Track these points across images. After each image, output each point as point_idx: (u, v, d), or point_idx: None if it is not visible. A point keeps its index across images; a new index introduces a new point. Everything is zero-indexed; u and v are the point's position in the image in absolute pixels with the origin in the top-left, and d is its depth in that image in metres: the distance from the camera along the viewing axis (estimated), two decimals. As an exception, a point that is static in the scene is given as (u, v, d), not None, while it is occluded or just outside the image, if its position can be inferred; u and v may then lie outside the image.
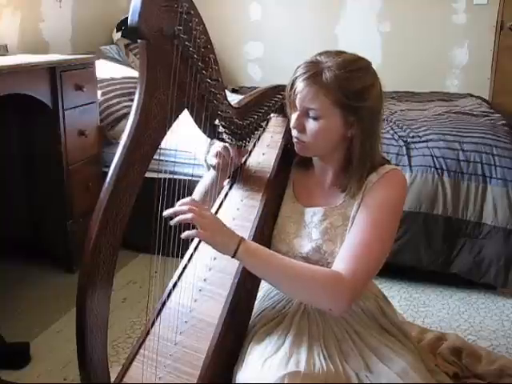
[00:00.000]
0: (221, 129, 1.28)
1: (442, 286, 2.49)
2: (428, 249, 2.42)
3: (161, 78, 1.01)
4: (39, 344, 2.05)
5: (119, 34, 3.70)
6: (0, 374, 1.84)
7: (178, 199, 1.13)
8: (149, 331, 1.20)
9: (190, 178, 1.57)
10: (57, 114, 2.40)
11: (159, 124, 1.02)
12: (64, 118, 2.43)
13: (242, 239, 1.12)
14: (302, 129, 1.25)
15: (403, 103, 3.34)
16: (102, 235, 0.95)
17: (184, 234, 1.08)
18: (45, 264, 2.59)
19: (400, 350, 1.22)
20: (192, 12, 1.05)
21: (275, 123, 1.54)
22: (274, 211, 1.36)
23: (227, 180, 1.43)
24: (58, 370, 1.91)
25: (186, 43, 1.06)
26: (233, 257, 1.11)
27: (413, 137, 2.55)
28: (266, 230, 1.33)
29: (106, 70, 3.03)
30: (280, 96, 1.45)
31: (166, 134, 1.05)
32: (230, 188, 1.42)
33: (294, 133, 1.27)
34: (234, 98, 1.42)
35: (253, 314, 1.32)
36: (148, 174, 1.05)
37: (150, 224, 1.16)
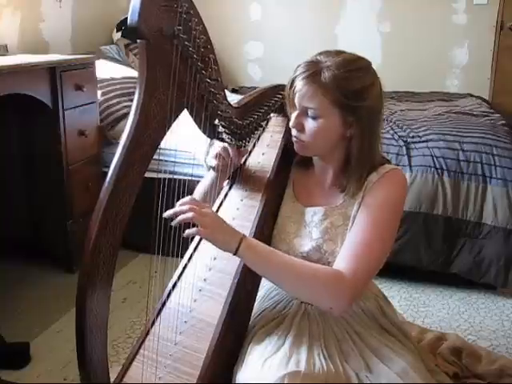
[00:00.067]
0: (220, 129, 1.28)
1: (442, 285, 2.49)
2: (428, 249, 2.42)
3: (160, 78, 1.01)
4: (39, 344, 2.05)
5: (119, 34, 3.70)
6: (0, 373, 1.84)
7: (178, 199, 1.13)
8: (149, 331, 1.20)
9: (190, 178, 1.56)
10: (57, 114, 2.40)
11: (159, 124, 1.02)
12: (64, 118, 2.43)
13: (243, 236, 1.12)
14: (301, 128, 1.25)
15: (403, 103, 3.34)
16: (101, 235, 0.95)
17: (185, 233, 1.08)
18: (45, 264, 2.59)
19: (400, 350, 1.22)
20: (191, 12, 1.05)
21: (275, 123, 1.54)
22: (273, 211, 1.36)
23: (227, 180, 1.43)
24: (58, 370, 1.91)
25: (186, 43, 1.06)
26: (234, 254, 1.11)
27: (413, 137, 2.55)
28: (266, 230, 1.33)
29: (106, 70, 3.03)
30: (280, 96, 1.45)
31: (165, 134, 1.05)
32: (230, 188, 1.42)
33: (293, 132, 1.27)
34: (233, 98, 1.42)
35: (253, 314, 1.31)
36: (148, 174, 1.05)
37: (149, 224, 1.16)
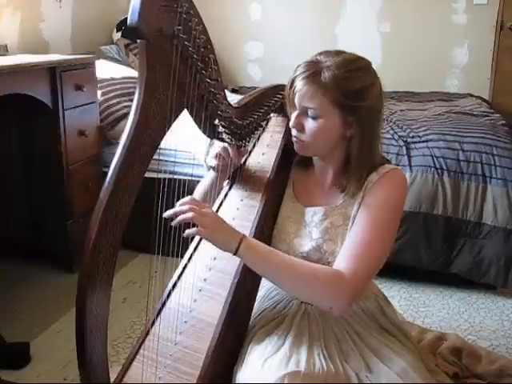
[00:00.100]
0: (220, 129, 1.28)
1: (442, 285, 2.49)
2: (428, 249, 2.42)
3: (160, 78, 1.01)
4: (39, 344, 2.05)
5: (119, 34, 3.70)
6: (0, 373, 1.84)
7: (178, 199, 1.13)
8: (149, 331, 1.20)
9: (190, 178, 1.56)
10: (57, 114, 2.40)
11: (159, 124, 1.02)
12: (64, 118, 2.43)
13: (243, 236, 1.12)
14: (300, 128, 1.25)
15: (403, 103, 3.34)
16: (101, 235, 0.95)
17: (185, 233, 1.08)
18: (45, 264, 2.59)
19: (400, 350, 1.22)
20: (191, 12, 1.05)
21: (275, 123, 1.54)
22: (273, 211, 1.36)
23: (227, 180, 1.43)
24: (58, 370, 1.91)
25: (186, 43, 1.06)
26: (234, 254, 1.11)
27: (413, 137, 2.55)
28: (266, 230, 1.33)
29: (106, 70, 3.03)
30: (280, 96, 1.45)
31: (165, 134, 1.04)
32: (230, 188, 1.42)
33: (293, 132, 1.27)
34: (233, 98, 1.42)
35: (253, 314, 1.31)
36: (148, 174, 1.04)
37: (149, 224, 1.16)
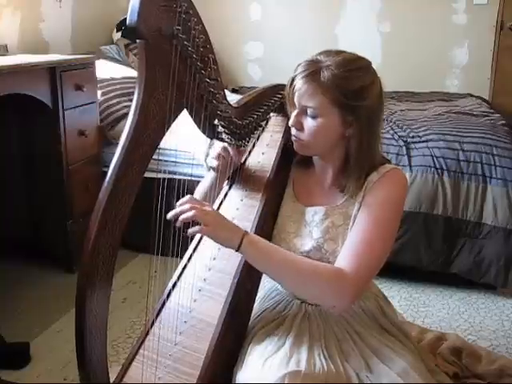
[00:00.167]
0: (220, 128, 1.28)
1: (442, 285, 2.49)
2: (428, 249, 2.41)
3: (160, 78, 1.01)
4: (39, 344, 2.05)
5: (119, 34, 3.70)
6: (0, 373, 1.84)
7: (178, 199, 1.13)
8: (148, 331, 1.19)
9: (190, 177, 1.57)
10: (57, 114, 2.40)
11: (158, 124, 1.02)
12: (64, 118, 2.43)
13: (245, 232, 1.13)
14: (300, 127, 1.25)
15: (403, 103, 3.34)
16: (101, 236, 0.95)
17: (188, 231, 1.08)
18: (45, 264, 2.59)
19: (400, 350, 1.22)
20: (191, 12, 1.05)
21: (275, 122, 1.54)
22: (273, 211, 1.36)
23: (227, 180, 1.43)
24: (58, 370, 1.91)
25: (185, 43, 1.06)
26: (237, 250, 1.12)
27: (413, 137, 2.55)
28: (266, 230, 1.32)
29: (106, 70, 3.03)
30: (279, 95, 1.45)
31: (165, 134, 1.04)
32: (230, 188, 1.41)
33: (293, 131, 1.27)
34: (233, 98, 1.41)
35: (253, 314, 1.31)
36: (147, 174, 1.04)
37: (149, 224, 1.16)
